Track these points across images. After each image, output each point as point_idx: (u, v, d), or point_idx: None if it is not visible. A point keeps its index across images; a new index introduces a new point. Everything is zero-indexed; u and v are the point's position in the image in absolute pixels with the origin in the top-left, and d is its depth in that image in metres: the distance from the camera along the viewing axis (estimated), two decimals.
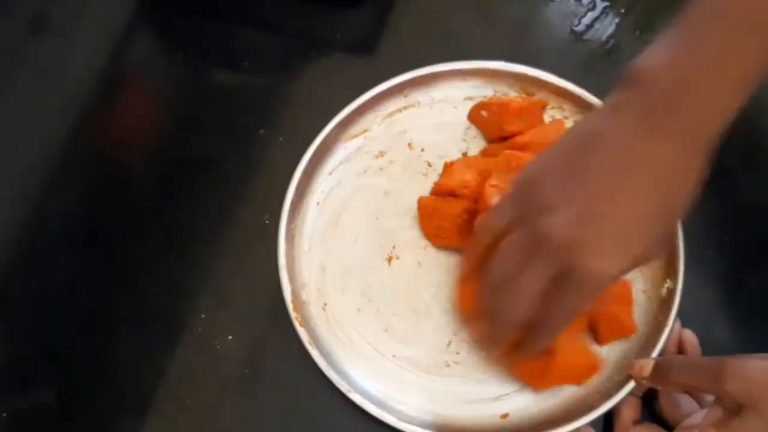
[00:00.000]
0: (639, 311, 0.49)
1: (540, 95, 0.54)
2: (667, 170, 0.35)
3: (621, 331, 0.48)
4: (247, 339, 0.50)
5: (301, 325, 0.48)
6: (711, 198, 0.52)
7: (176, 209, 0.54)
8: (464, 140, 0.53)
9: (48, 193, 0.55)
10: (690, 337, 0.48)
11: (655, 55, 0.35)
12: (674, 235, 0.37)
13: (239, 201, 0.54)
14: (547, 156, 0.37)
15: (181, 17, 0.59)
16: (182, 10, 0.59)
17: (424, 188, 0.52)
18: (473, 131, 0.54)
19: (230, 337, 0.51)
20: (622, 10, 0.58)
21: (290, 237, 0.51)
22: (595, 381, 0.47)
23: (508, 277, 0.38)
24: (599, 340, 0.48)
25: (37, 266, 0.53)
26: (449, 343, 0.49)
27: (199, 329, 0.51)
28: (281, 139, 0.55)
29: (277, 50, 0.58)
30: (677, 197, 0.36)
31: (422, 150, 0.53)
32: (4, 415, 0.50)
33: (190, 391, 0.50)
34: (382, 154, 0.53)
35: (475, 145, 0.53)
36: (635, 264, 0.36)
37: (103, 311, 0.52)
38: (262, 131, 0.55)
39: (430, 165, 0.53)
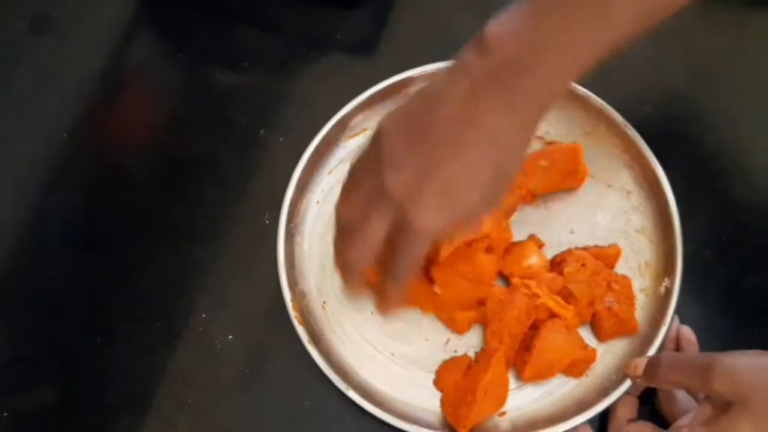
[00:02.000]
0: (637, 310, 0.49)
1: None
2: (497, 134, 0.36)
3: (623, 328, 0.48)
4: (247, 339, 0.51)
5: (300, 324, 0.48)
6: (710, 199, 0.52)
7: (176, 209, 0.54)
8: None
9: (48, 193, 0.55)
10: (687, 333, 0.48)
11: (503, 22, 0.36)
12: (501, 196, 0.39)
13: (239, 201, 0.54)
14: (396, 113, 0.38)
15: (182, 17, 0.59)
16: (182, 10, 0.59)
17: None
18: None
19: (230, 337, 0.51)
20: None
21: (290, 236, 0.50)
22: (591, 378, 0.48)
23: (352, 225, 0.39)
24: (600, 336, 0.48)
25: (37, 266, 0.53)
26: (447, 341, 0.49)
27: (199, 329, 0.51)
28: (281, 139, 0.55)
29: (277, 50, 0.58)
30: (506, 160, 0.37)
31: None
32: (5, 414, 0.50)
33: (190, 391, 0.50)
34: None
35: None
36: (460, 220, 0.38)
37: (103, 311, 0.52)
38: (262, 131, 0.55)
39: None
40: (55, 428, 0.50)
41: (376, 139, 0.38)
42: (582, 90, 0.52)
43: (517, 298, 0.47)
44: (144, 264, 0.53)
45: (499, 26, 0.35)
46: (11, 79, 0.58)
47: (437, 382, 0.48)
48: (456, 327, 0.49)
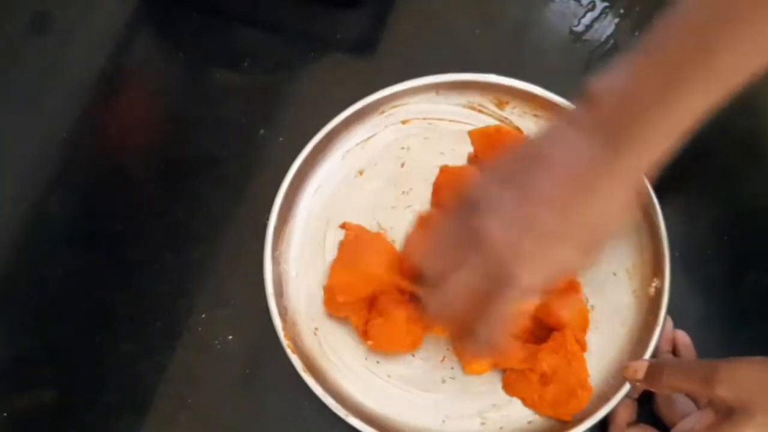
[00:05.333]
0: (629, 312, 0.49)
1: (514, 103, 0.53)
2: (605, 190, 0.35)
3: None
4: (247, 339, 0.51)
5: (293, 352, 0.47)
6: (711, 199, 0.52)
7: (176, 209, 0.54)
8: (443, 153, 0.53)
9: (48, 193, 0.55)
10: (683, 338, 0.48)
11: (611, 77, 0.35)
12: (598, 255, 0.38)
13: (239, 201, 0.54)
14: (497, 165, 0.38)
15: (182, 17, 0.59)
16: (182, 10, 0.59)
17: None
18: (454, 146, 0.53)
19: (230, 337, 0.51)
20: (622, 11, 0.58)
21: (276, 264, 0.50)
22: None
23: (443, 272, 0.38)
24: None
25: (38, 266, 0.53)
26: (443, 359, 0.49)
27: (199, 329, 0.51)
28: (281, 139, 0.55)
29: (277, 50, 0.58)
30: (611, 216, 0.36)
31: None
32: (5, 414, 0.50)
33: (190, 391, 0.50)
34: (362, 170, 0.53)
35: (457, 159, 0.53)
36: (561, 275, 0.37)
37: (103, 311, 0.52)
38: (262, 131, 0.55)
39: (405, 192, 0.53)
40: (55, 428, 0.50)
41: (473, 188, 0.37)
42: (564, 101, 0.52)
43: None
44: (144, 264, 0.53)
45: (606, 80, 0.35)
46: (11, 79, 0.58)
47: (509, 390, 0.48)
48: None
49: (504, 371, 0.48)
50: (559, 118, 0.37)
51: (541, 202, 0.35)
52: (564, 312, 0.47)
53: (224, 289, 0.52)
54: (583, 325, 0.48)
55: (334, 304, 0.49)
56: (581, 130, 0.35)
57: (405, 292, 0.48)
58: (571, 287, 0.49)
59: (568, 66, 0.56)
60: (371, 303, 0.48)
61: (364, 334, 0.48)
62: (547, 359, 0.46)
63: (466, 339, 0.40)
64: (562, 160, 0.35)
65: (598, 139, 0.35)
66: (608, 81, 0.35)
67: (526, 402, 0.48)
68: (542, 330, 0.48)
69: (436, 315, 0.40)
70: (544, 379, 0.47)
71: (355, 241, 0.50)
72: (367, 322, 0.48)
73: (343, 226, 0.51)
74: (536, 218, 0.35)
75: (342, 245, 0.50)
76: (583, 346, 0.48)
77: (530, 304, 0.41)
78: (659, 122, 0.34)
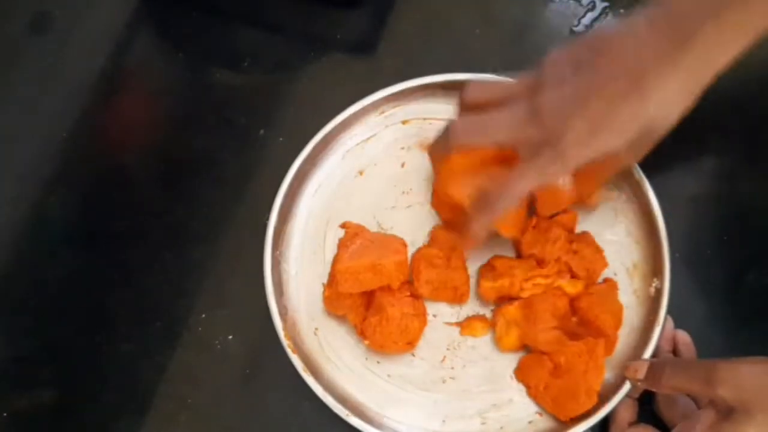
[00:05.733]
0: (629, 312, 0.49)
1: None
2: (660, 93, 0.37)
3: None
4: (247, 339, 0.51)
5: (294, 352, 0.47)
6: (711, 199, 0.52)
7: (176, 209, 0.54)
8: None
9: (48, 193, 0.55)
10: (684, 337, 0.48)
11: None
12: (644, 152, 0.41)
13: (239, 201, 0.54)
14: (566, 48, 0.40)
15: (182, 17, 0.59)
16: (182, 10, 0.59)
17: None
18: None
19: (230, 337, 0.51)
20: (621, 11, 0.58)
21: (276, 263, 0.50)
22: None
23: (502, 123, 0.41)
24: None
25: (37, 266, 0.53)
26: (443, 359, 0.49)
27: (199, 329, 0.51)
28: (281, 139, 0.55)
29: (277, 50, 0.58)
30: (658, 119, 0.38)
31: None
32: (5, 414, 0.50)
33: (190, 391, 0.50)
34: (362, 170, 0.53)
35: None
36: (603, 157, 0.39)
37: (103, 311, 0.52)
38: (262, 131, 0.55)
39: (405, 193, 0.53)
40: (55, 428, 0.50)
41: (540, 66, 0.40)
42: None
43: (539, 302, 0.47)
44: (144, 264, 0.53)
45: None
46: (11, 79, 0.58)
47: (519, 374, 0.48)
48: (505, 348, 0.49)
49: (525, 353, 0.48)
50: (635, 13, 0.39)
51: (600, 87, 0.38)
52: (606, 317, 0.47)
53: (224, 289, 0.52)
54: (617, 324, 0.48)
55: (334, 300, 0.49)
56: (653, 25, 0.37)
57: (404, 290, 0.48)
58: (611, 286, 0.49)
59: None
60: (369, 301, 0.48)
61: (362, 333, 0.48)
62: (569, 355, 0.46)
63: (476, 206, 0.43)
64: (629, 51, 0.38)
65: (667, 34, 0.37)
66: None
67: (530, 391, 0.48)
68: (582, 327, 0.48)
69: (468, 137, 0.42)
70: (557, 372, 0.47)
71: (369, 237, 0.50)
72: (364, 320, 0.48)
73: (343, 225, 0.51)
74: (591, 102, 0.38)
75: (341, 243, 0.50)
76: (613, 344, 0.47)
77: (558, 182, 0.43)
78: (727, 23, 0.36)
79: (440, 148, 0.45)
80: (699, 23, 0.36)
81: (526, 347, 0.49)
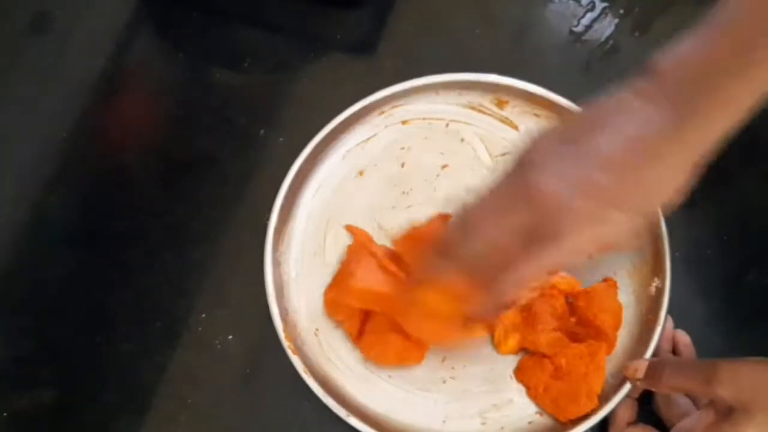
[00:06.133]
0: (629, 312, 0.49)
1: (514, 103, 0.53)
2: (668, 157, 0.35)
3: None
4: (247, 339, 0.51)
5: (294, 354, 0.47)
6: (711, 199, 0.52)
7: (176, 209, 0.54)
8: (443, 153, 0.53)
9: (48, 193, 0.55)
10: (683, 337, 0.48)
11: (677, 50, 0.35)
12: (644, 219, 0.38)
13: (239, 201, 0.54)
14: (558, 128, 0.37)
15: (182, 17, 0.59)
16: (182, 10, 0.59)
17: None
18: (454, 146, 0.53)
19: (230, 337, 0.51)
20: (621, 11, 0.58)
21: (277, 264, 0.50)
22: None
23: (486, 217, 0.37)
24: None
25: (37, 266, 0.53)
26: (444, 359, 0.49)
27: (199, 329, 0.51)
28: (281, 139, 0.55)
29: (277, 50, 0.58)
30: (670, 186, 0.36)
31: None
32: (5, 414, 0.50)
33: (190, 391, 0.50)
34: (362, 170, 0.53)
35: (457, 159, 0.53)
36: (605, 245, 0.36)
37: (103, 311, 0.52)
38: (262, 131, 0.55)
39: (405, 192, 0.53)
40: (55, 428, 0.50)
41: (530, 147, 0.36)
42: (564, 101, 0.52)
43: (539, 305, 0.47)
44: (144, 264, 0.53)
45: (672, 54, 0.35)
46: (11, 79, 0.58)
47: (519, 375, 0.48)
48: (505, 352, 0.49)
49: (525, 353, 0.48)
50: (622, 88, 0.36)
51: (602, 163, 0.35)
52: (605, 317, 0.47)
53: (224, 289, 0.52)
54: (617, 324, 0.48)
55: (335, 304, 0.49)
56: (647, 100, 0.35)
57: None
58: (611, 285, 0.48)
59: (568, 66, 0.56)
60: (367, 313, 0.48)
61: (358, 343, 0.48)
62: (570, 357, 0.46)
63: (479, 296, 0.39)
64: (626, 127, 0.35)
65: (664, 109, 0.34)
66: (675, 53, 0.35)
67: (530, 392, 0.48)
68: (581, 327, 0.48)
69: (464, 260, 0.38)
70: (557, 374, 0.47)
71: (354, 253, 0.49)
72: (360, 332, 0.48)
73: (348, 228, 0.51)
74: (593, 178, 0.34)
75: (351, 249, 0.50)
76: (612, 344, 0.47)
77: (559, 271, 0.40)
78: (727, 94, 0.34)
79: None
80: (698, 95, 0.34)
81: (525, 350, 0.49)
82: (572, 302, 0.48)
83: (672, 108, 0.34)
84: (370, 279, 0.47)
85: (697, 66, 0.34)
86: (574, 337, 0.47)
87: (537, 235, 0.35)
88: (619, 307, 0.48)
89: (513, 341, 0.48)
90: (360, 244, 0.50)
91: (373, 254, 0.48)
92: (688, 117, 0.34)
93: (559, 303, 0.48)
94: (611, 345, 0.47)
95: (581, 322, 0.48)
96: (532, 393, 0.48)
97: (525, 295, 0.44)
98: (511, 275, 0.37)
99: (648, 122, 0.35)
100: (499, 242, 0.36)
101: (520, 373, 0.48)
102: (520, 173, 0.36)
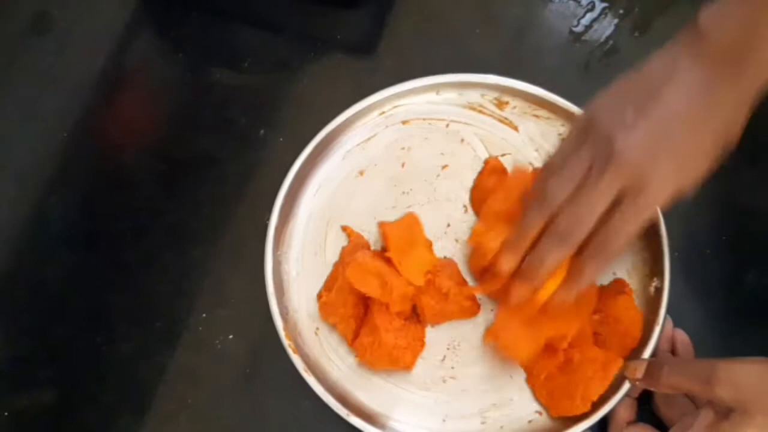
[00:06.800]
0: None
1: (514, 103, 0.53)
2: (721, 108, 0.38)
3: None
4: (248, 339, 0.51)
5: (295, 353, 0.47)
6: (711, 198, 0.52)
7: (176, 209, 0.54)
8: (443, 153, 0.53)
9: (48, 193, 0.55)
10: (682, 337, 0.48)
11: (718, 12, 0.38)
12: (716, 163, 0.40)
13: (239, 201, 0.54)
14: (609, 93, 0.40)
15: (182, 17, 0.59)
16: (182, 10, 0.59)
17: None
18: (454, 146, 0.53)
19: (230, 337, 0.51)
20: (621, 11, 0.58)
21: (277, 264, 0.50)
22: None
23: (572, 194, 0.40)
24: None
25: (37, 266, 0.53)
26: (444, 359, 0.49)
27: (199, 329, 0.51)
28: (281, 139, 0.55)
29: (277, 50, 0.58)
30: (727, 131, 0.39)
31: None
32: (5, 414, 0.50)
33: (190, 391, 0.50)
34: (362, 170, 0.53)
35: (457, 159, 0.53)
36: (685, 190, 0.39)
37: (103, 311, 0.52)
38: (262, 131, 0.55)
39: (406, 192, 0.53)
40: (55, 428, 0.50)
41: (589, 122, 0.39)
42: (564, 101, 0.52)
43: None
44: (144, 264, 0.53)
45: (713, 15, 0.38)
46: (11, 79, 0.58)
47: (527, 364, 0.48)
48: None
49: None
50: (663, 52, 0.39)
51: (672, 116, 0.38)
52: (629, 327, 0.47)
53: (225, 289, 0.52)
54: (636, 333, 0.47)
55: (329, 307, 0.49)
56: (696, 59, 0.38)
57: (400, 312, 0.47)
58: (628, 293, 0.48)
59: (568, 66, 0.56)
60: (362, 313, 0.48)
61: (353, 347, 0.48)
62: (582, 355, 0.46)
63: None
64: (684, 83, 0.38)
65: (716, 66, 0.37)
66: (714, 14, 0.38)
67: (530, 378, 0.48)
68: (603, 325, 0.47)
69: (546, 194, 0.40)
70: (565, 367, 0.46)
71: (348, 255, 0.50)
72: (356, 336, 0.48)
73: (345, 229, 0.51)
74: (670, 131, 0.38)
75: (345, 251, 0.50)
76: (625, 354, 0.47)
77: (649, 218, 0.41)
78: None
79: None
80: (743, 52, 0.37)
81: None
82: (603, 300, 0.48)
83: (724, 63, 0.37)
84: (368, 262, 0.47)
85: (742, 22, 0.37)
86: (594, 338, 0.47)
87: (625, 196, 0.38)
88: (639, 319, 0.48)
89: (552, 286, 0.47)
90: (355, 246, 0.50)
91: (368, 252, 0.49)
92: (741, 70, 0.37)
93: (592, 295, 0.47)
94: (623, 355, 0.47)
95: (605, 322, 0.47)
96: (532, 379, 0.48)
97: (621, 252, 0.44)
98: (607, 231, 0.39)
99: (702, 79, 0.38)
100: (599, 211, 0.39)
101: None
102: (597, 135, 0.39)
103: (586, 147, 0.40)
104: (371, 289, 0.46)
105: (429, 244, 0.50)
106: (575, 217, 0.40)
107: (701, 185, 0.40)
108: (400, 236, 0.49)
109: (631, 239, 0.40)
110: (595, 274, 0.42)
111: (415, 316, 0.49)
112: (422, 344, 0.49)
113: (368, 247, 0.50)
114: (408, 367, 0.48)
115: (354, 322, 0.48)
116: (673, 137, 0.38)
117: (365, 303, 0.48)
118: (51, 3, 0.60)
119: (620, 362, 0.46)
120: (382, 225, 0.50)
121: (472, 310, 0.49)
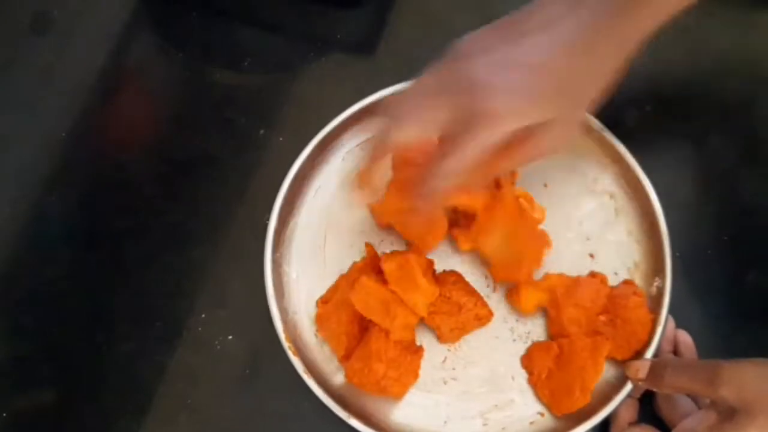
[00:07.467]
0: None
1: None
2: (594, 50, 0.36)
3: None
4: (247, 339, 0.51)
5: (294, 355, 0.47)
6: (711, 198, 0.52)
7: (176, 209, 0.54)
8: None
9: (48, 193, 0.55)
10: (684, 337, 0.48)
11: None
12: (577, 119, 0.39)
13: (239, 201, 0.54)
14: (478, 31, 0.39)
15: (182, 17, 0.59)
16: (182, 10, 0.59)
17: None
18: None
19: (230, 337, 0.51)
20: None
21: (277, 265, 0.50)
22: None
23: (419, 107, 0.39)
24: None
25: (37, 266, 0.53)
26: (444, 360, 0.49)
27: (199, 329, 0.51)
28: (281, 139, 0.55)
29: (277, 50, 0.58)
30: (594, 88, 0.37)
31: None
32: (5, 414, 0.50)
33: (190, 391, 0.50)
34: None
35: None
36: (530, 120, 0.37)
37: (103, 311, 0.52)
38: (262, 131, 0.55)
39: None
40: (55, 428, 0.50)
41: (454, 49, 0.38)
42: None
43: (585, 283, 0.47)
44: (144, 264, 0.53)
45: None
46: (11, 79, 0.58)
47: (526, 361, 0.48)
48: (522, 307, 0.48)
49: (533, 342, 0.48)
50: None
51: (526, 50, 0.36)
52: (638, 329, 0.47)
53: (224, 289, 0.52)
54: (643, 336, 0.47)
55: (324, 319, 0.49)
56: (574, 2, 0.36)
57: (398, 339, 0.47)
58: (639, 295, 0.48)
59: None
60: (356, 332, 0.48)
61: (342, 360, 0.48)
62: (577, 347, 0.46)
63: (423, 185, 0.40)
64: (556, 22, 0.36)
65: (591, 8, 0.36)
66: None
67: (531, 378, 0.48)
68: (608, 326, 0.47)
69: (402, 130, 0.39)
70: (559, 361, 0.46)
71: (358, 271, 0.49)
72: (348, 353, 0.47)
73: (366, 246, 0.51)
74: (517, 63, 0.36)
75: (353, 267, 0.50)
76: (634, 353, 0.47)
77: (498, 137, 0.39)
78: None
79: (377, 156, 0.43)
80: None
81: (544, 310, 0.48)
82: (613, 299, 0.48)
83: (599, 7, 0.36)
84: (373, 287, 0.46)
85: None
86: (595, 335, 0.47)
87: (470, 116, 0.37)
88: (649, 321, 0.47)
89: (534, 299, 0.48)
90: (366, 265, 0.49)
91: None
92: (616, 14, 0.36)
93: (604, 293, 0.47)
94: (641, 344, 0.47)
95: (611, 323, 0.47)
96: (534, 380, 0.48)
97: (474, 185, 0.43)
98: (452, 158, 0.38)
99: (577, 19, 0.36)
100: (435, 121, 0.38)
101: (527, 359, 0.48)
102: (452, 62, 0.38)
103: (441, 68, 0.39)
104: (374, 314, 0.46)
105: (430, 269, 0.49)
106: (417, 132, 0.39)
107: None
108: (400, 277, 0.47)
109: (478, 156, 0.38)
110: (443, 184, 0.40)
111: (414, 346, 0.48)
112: (415, 376, 0.48)
113: (379, 268, 0.48)
114: (397, 397, 0.47)
115: (346, 339, 0.47)
116: (522, 64, 0.36)
117: (363, 323, 0.48)
118: (51, 3, 0.60)
119: (608, 344, 0.46)
120: (381, 259, 0.48)
121: (487, 317, 0.49)
